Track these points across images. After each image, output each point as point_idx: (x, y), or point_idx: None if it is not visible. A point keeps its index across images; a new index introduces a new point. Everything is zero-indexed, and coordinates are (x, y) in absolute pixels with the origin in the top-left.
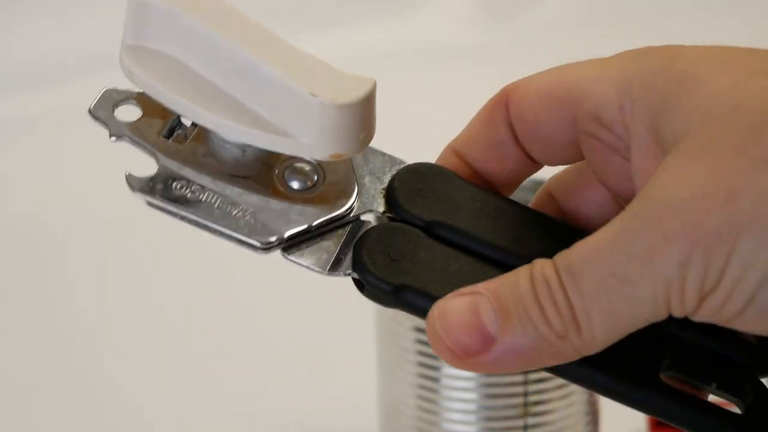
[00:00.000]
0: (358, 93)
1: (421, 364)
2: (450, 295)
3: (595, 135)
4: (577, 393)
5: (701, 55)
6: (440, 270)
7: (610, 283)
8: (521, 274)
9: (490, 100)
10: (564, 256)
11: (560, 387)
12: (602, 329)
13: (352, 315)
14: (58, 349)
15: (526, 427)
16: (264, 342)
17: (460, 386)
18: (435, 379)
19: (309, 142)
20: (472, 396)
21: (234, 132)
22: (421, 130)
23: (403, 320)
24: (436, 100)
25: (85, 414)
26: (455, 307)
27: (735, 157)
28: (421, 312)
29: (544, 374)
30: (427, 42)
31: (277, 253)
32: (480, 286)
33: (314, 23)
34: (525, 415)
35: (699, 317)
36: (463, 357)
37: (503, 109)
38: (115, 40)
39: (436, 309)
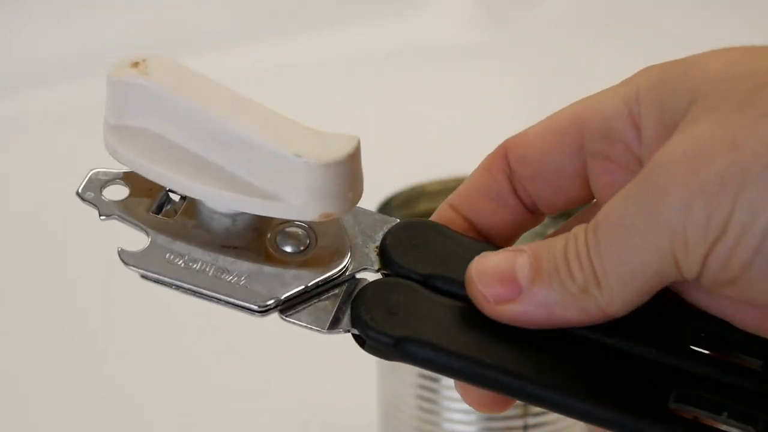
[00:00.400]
0: (343, 151)
1: None
2: (491, 253)
3: (605, 154)
4: None
5: (704, 53)
6: (439, 320)
7: (620, 233)
8: (561, 236)
9: (488, 155)
10: (595, 216)
11: None
12: (616, 281)
13: None
14: (58, 349)
15: (526, 427)
16: (265, 341)
17: None
18: (435, 379)
19: (297, 203)
20: None
21: (223, 200)
22: (421, 129)
23: None
24: (436, 100)
25: (86, 413)
26: (495, 257)
27: (738, 113)
28: (424, 362)
29: None
30: (427, 42)
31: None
32: (524, 246)
33: (314, 23)
34: (525, 415)
35: (707, 277)
36: (492, 304)
37: (502, 160)
38: (114, 40)
39: (477, 257)
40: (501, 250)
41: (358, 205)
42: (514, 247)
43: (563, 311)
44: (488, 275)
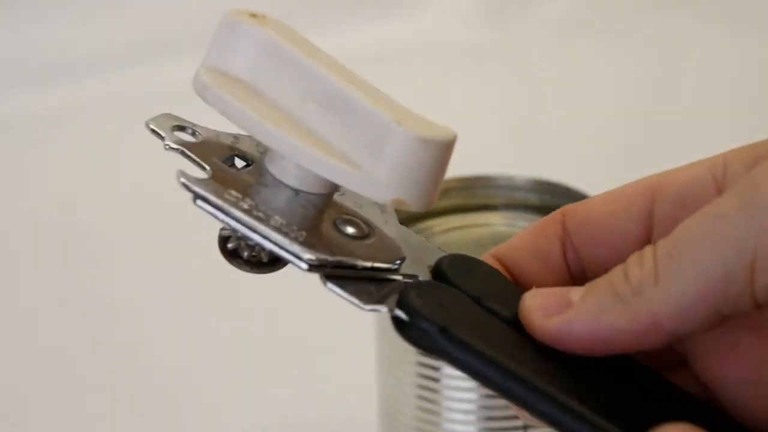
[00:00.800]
0: (443, 135)
1: (421, 364)
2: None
3: (677, 219)
4: None
5: None
6: (487, 328)
7: (701, 224)
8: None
9: (544, 218)
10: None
11: None
12: (677, 275)
13: (353, 315)
14: (73, 349)
15: (526, 427)
16: (264, 340)
17: (460, 386)
18: (435, 379)
19: (378, 177)
20: (472, 396)
21: (303, 155)
22: None
23: None
24: (435, 100)
25: (88, 413)
26: (549, 287)
27: None
28: (464, 357)
29: None
30: (427, 42)
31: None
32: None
33: (315, 24)
34: None
35: None
36: (541, 317)
37: (558, 224)
38: (115, 40)
39: (532, 289)
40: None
41: (409, 230)
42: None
43: (612, 318)
44: (540, 292)
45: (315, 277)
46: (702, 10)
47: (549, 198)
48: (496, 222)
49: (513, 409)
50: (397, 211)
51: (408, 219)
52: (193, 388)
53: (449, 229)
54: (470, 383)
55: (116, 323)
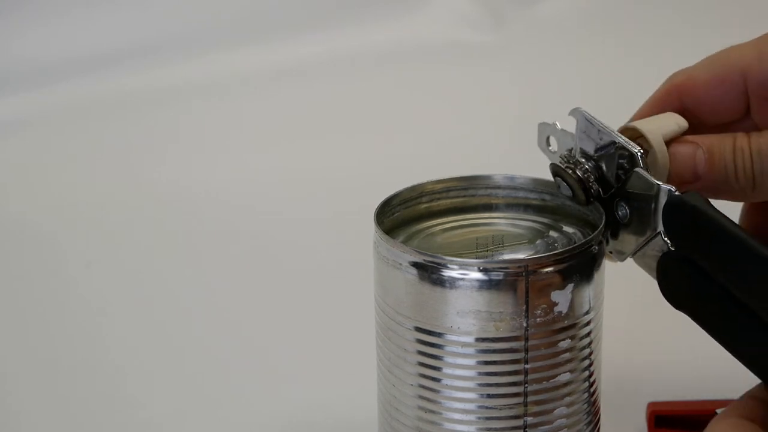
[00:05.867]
0: None
1: (421, 364)
2: (681, 141)
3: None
4: (577, 393)
5: None
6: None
7: None
8: (728, 140)
9: (659, 91)
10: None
11: (560, 387)
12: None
13: (353, 315)
14: (67, 354)
15: (526, 427)
16: (264, 342)
17: (460, 386)
18: (435, 379)
19: None
20: (472, 396)
21: None
22: (421, 129)
23: (403, 320)
24: (435, 100)
25: (86, 414)
26: (682, 150)
27: None
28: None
29: (544, 374)
30: (427, 42)
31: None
32: (698, 139)
33: (315, 24)
34: (525, 415)
35: None
36: (680, 184)
37: (674, 99)
38: (115, 40)
39: (671, 149)
40: (683, 141)
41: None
42: (692, 137)
43: (723, 193)
44: (678, 164)
45: (315, 278)
46: (701, 9)
47: (549, 198)
48: (496, 222)
49: None
50: (394, 213)
51: (408, 219)
52: (192, 389)
53: (449, 229)
54: (470, 383)
55: (111, 326)
